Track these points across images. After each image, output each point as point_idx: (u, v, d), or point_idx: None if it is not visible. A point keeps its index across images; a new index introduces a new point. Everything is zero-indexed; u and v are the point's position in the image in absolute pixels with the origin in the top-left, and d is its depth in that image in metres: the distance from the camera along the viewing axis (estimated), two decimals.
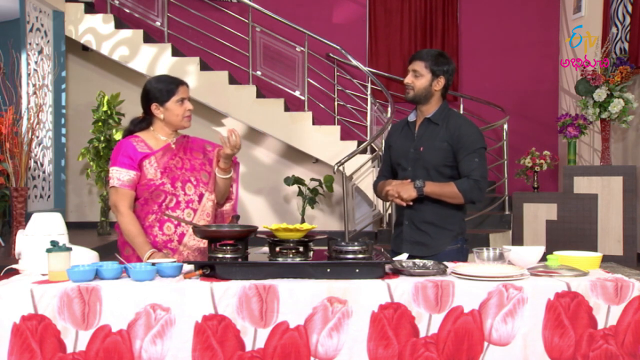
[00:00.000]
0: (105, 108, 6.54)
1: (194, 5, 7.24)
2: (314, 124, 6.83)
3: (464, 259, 2.71)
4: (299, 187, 7.01)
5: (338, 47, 6.75)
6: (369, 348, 1.92)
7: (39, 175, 6.28)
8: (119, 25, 6.92)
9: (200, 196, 2.68)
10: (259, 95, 6.95)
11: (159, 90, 2.67)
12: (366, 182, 6.43)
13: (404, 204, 2.68)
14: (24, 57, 6.03)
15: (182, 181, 2.65)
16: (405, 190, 2.64)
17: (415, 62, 2.72)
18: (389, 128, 6.70)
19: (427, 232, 2.72)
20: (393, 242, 2.89)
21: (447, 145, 2.68)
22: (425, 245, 2.71)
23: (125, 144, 2.64)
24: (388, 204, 6.02)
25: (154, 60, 6.81)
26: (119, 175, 2.59)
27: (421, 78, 2.70)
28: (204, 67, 6.95)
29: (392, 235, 2.93)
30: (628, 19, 5.78)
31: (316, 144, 6.78)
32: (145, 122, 2.73)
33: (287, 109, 6.91)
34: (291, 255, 2.10)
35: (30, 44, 6.20)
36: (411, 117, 2.84)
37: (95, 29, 6.84)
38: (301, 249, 2.15)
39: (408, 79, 2.73)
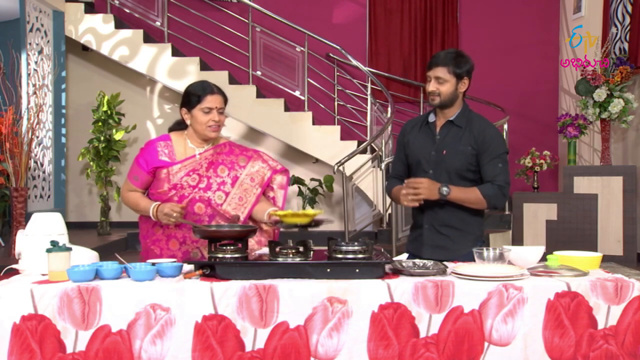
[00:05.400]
0: (105, 108, 6.55)
1: (194, 5, 7.24)
2: (314, 124, 6.83)
3: None
4: (299, 187, 7.01)
5: (338, 47, 6.75)
6: (369, 348, 1.92)
7: (39, 175, 6.28)
8: (119, 25, 6.91)
9: (211, 217, 2.64)
10: (259, 95, 6.95)
11: (189, 95, 2.65)
12: (366, 182, 6.43)
13: (417, 204, 2.61)
14: (24, 57, 6.02)
15: (192, 201, 2.62)
16: (430, 193, 2.57)
17: (437, 69, 2.63)
18: (394, 127, 6.77)
19: (448, 236, 2.69)
20: (410, 245, 2.84)
21: (471, 149, 2.64)
22: (447, 249, 2.68)
23: (151, 147, 2.67)
24: (388, 204, 6.01)
25: (154, 60, 6.81)
26: (133, 171, 2.69)
27: (446, 84, 2.63)
28: (204, 67, 6.95)
29: (409, 237, 2.87)
30: (628, 19, 5.77)
31: (316, 144, 6.78)
32: (184, 125, 2.73)
33: (287, 109, 6.91)
34: (291, 255, 2.10)
35: (30, 44, 6.20)
36: (431, 118, 2.78)
37: (95, 29, 6.83)
38: (301, 249, 2.15)
39: (432, 87, 2.65)
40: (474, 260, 2.56)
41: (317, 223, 2.35)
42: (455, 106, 2.71)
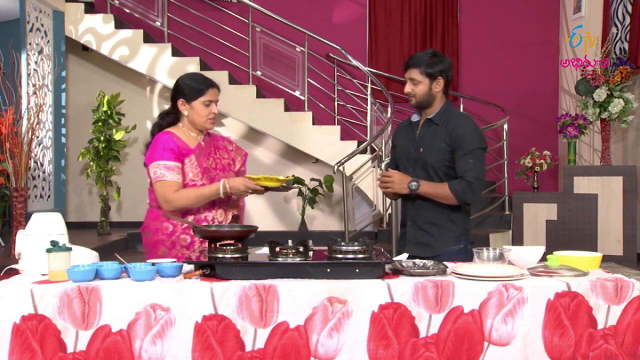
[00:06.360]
0: (105, 108, 6.55)
1: (194, 5, 7.24)
2: (314, 124, 6.83)
3: (468, 259, 2.69)
4: (299, 187, 7.01)
5: (338, 47, 6.75)
6: (369, 348, 1.92)
7: (39, 175, 6.28)
8: (119, 25, 6.92)
9: (228, 197, 2.71)
10: (259, 95, 6.95)
11: (189, 87, 2.68)
12: (366, 182, 6.43)
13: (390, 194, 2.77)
14: (24, 57, 6.02)
15: (216, 181, 2.68)
16: (399, 187, 2.68)
17: (410, 70, 2.71)
18: (394, 127, 6.77)
19: (430, 233, 2.72)
20: (398, 243, 2.90)
21: (445, 145, 2.68)
22: (428, 246, 2.71)
23: (166, 138, 2.63)
24: (388, 203, 6.02)
25: (154, 60, 6.81)
26: (166, 168, 2.58)
27: (419, 84, 2.69)
28: (204, 67, 6.95)
29: (398, 235, 2.93)
30: (628, 19, 5.78)
31: (316, 144, 6.78)
32: (172, 115, 2.75)
33: (287, 109, 6.91)
34: (291, 255, 2.10)
35: (30, 44, 6.20)
36: (414, 118, 2.84)
37: (95, 29, 6.84)
38: (301, 249, 2.15)
39: (408, 88, 2.72)
40: (457, 258, 2.58)
41: (285, 188, 2.71)
42: (435, 105, 2.75)
